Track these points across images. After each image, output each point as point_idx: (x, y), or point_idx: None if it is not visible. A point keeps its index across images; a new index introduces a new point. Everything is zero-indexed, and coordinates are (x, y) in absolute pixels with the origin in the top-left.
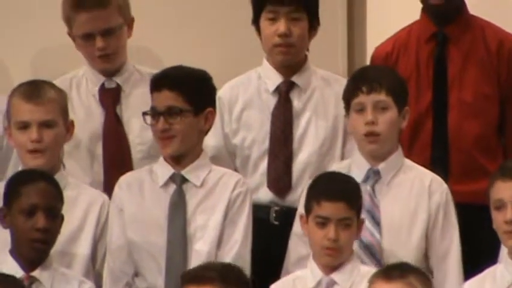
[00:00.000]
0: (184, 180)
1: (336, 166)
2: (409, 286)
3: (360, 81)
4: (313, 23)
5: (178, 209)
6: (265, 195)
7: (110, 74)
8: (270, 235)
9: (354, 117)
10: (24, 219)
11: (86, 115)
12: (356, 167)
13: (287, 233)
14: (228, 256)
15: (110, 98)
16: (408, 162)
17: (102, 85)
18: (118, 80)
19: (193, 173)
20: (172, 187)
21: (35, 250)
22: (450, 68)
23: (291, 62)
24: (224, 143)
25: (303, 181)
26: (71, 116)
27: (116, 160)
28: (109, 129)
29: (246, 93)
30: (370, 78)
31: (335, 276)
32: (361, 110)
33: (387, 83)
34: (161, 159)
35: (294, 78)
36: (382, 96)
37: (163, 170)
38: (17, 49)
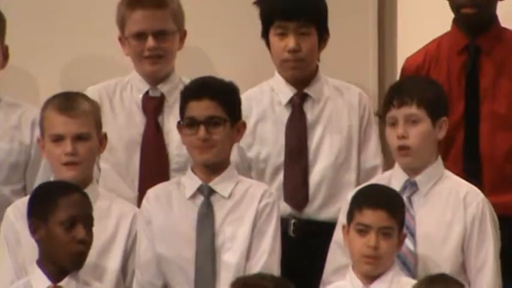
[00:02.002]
0: (212, 191)
1: (377, 177)
2: None
3: (391, 95)
4: (323, 35)
5: (206, 221)
6: (283, 208)
7: (155, 81)
8: (289, 248)
9: (388, 131)
10: (63, 232)
11: (127, 121)
12: (395, 178)
13: (306, 246)
14: (256, 267)
15: (153, 106)
16: (447, 173)
17: (147, 93)
18: (163, 89)
19: (221, 184)
20: (200, 199)
21: (73, 263)
22: (482, 79)
23: (300, 76)
24: (239, 157)
25: (320, 193)
26: (112, 121)
27: (153, 169)
28: (149, 137)
29: (259, 106)
30: (401, 92)
31: (375, 286)
32: (394, 123)
33: (419, 95)
34: (189, 171)
35: (307, 90)
36: (413, 110)
37: (191, 181)
38: (44, 59)
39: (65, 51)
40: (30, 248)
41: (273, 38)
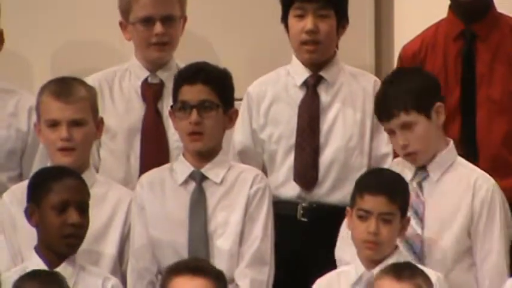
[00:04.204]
0: (204, 177)
1: (393, 162)
2: (418, 287)
3: (377, 109)
4: (342, 21)
5: (198, 207)
6: (292, 190)
7: (155, 68)
8: (297, 232)
9: (391, 140)
10: (55, 216)
11: (126, 108)
12: (407, 165)
13: (315, 230)
14: (248, 252)
15: (152, 93)
16: (460, 159)
17: (146, 79)
18: (162, 76)
19: (212, 170)
20: (192, 185)
21: (68, 246)
22: (478, 65)
23: (318, 60)
24: (252, 139)
25: (330, 175)
26: (112, 108)
27: (154, 155)
28: (149, 123)
29: (274, 88)
30: (386, 104)
31: (377, 270)
32: (391, 132)
33: (402, 102)
34: (181, 157)
35: (322, 73)
36: (402, 118)
37: (182, 167)
38: (38, 46)
39: (59, 35)
40: (26, 233)
41: (292, 20)
